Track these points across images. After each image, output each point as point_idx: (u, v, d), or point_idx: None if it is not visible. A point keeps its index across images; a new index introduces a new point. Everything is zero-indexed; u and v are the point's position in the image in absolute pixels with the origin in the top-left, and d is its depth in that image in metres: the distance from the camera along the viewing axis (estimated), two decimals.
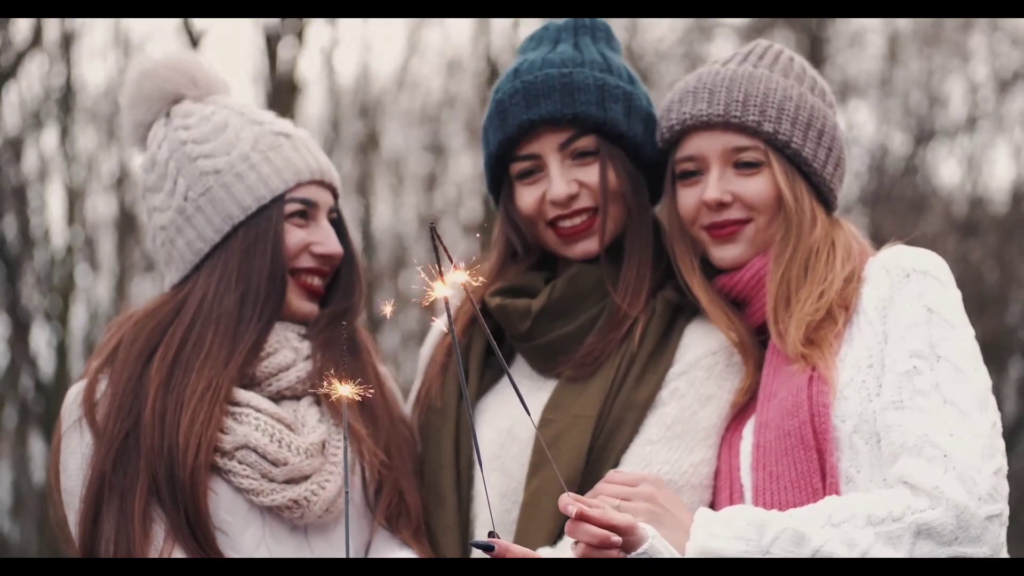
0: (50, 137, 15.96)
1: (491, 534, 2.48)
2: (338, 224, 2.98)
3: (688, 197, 2.93)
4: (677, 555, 2.57)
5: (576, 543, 2.52)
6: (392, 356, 16.98)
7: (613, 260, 2.93)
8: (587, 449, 2.78)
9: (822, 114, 2.94)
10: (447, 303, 2.26)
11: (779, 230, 2.89)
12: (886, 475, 2.67)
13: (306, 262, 2.89)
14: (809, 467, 2.70)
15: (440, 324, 3.03)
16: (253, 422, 2.76)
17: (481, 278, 2.34)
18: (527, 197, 2.93)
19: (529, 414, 2.33)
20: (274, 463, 2.75)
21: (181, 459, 2.69)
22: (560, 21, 3.05)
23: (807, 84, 2.96)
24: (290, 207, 2.88)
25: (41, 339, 15.67)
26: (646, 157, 2.95)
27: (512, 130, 2.90)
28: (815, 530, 2.57)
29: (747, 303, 2.93)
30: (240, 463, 2.74)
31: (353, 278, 2.96)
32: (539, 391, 2.89)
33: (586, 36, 3.00)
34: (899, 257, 2.82)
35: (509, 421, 2.87)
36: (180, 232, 2.89)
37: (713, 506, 2.84)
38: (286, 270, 2.85)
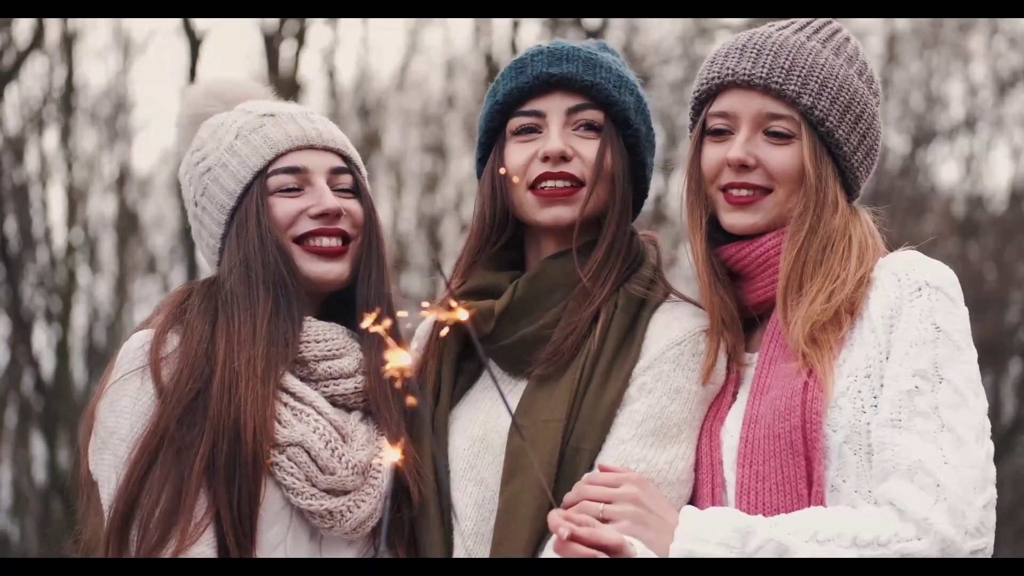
0: (51, 137, 15.99)
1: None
2: (354, 190, 2.99)
3: (714, 153, 2.87)
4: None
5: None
6: None
7: (584, 252, 2.91)
8: (558, 453, 2.76)
9: (863, 100, 2.88)
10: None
11: (797, 206, 2.83)
12: (873, 488, 2.66)
13: (307, 226, 2.89)
14: (796, 472, 2.68)
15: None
16: (313, 423, 2.79)
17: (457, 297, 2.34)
18: (518, 154, 2.91)
19: (514, 419, 2.34)
20: (322, 470, 2.77)
21: (244, 436, 2.73)
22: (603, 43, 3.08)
23: (856, 67, 2.90)
24: (274, 180, 2.90)
25: (42, 339, 15.69)
26: (639, 160, 2.95)
27: (527, 80, 2.91)
28: (799, 544, 2.57)
29: (750, 279, 2.87)
30: (289, 460, 2.76)
31: (372, 256, 2.95)
32: (511, 394, 2.87)
33: (605, 51, 3.01)
34: (912, 267, 2.76)
35: (482, 429, 2.87)
36: (200, 236, 2.98)
37: (693, 501, 2.82)
38: (276, 238, 2.87)
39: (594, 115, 2.90)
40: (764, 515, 2.66)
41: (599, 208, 2.91)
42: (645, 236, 3.01)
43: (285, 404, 2.80)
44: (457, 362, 2.95)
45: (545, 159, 2.88)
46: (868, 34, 16.14)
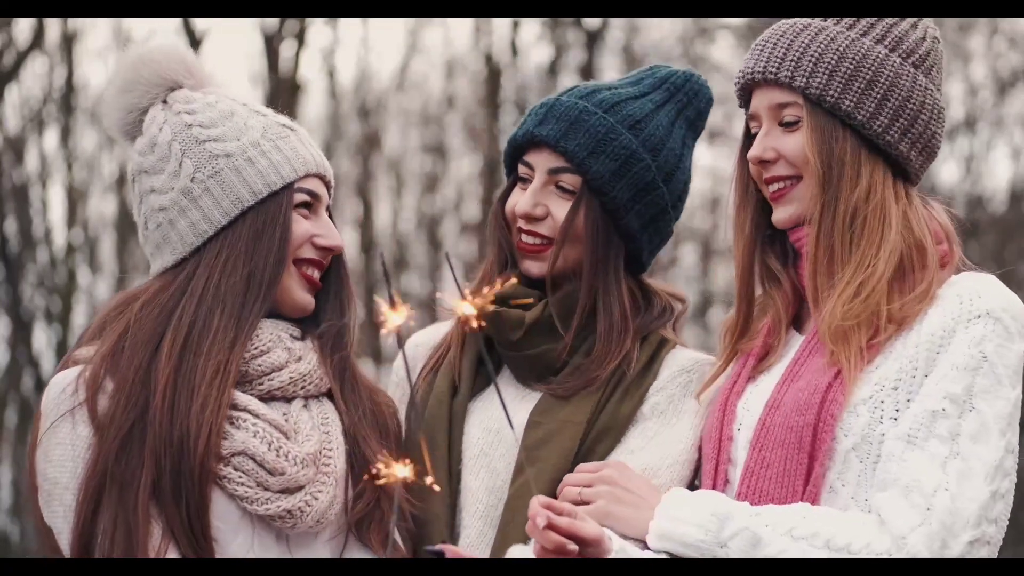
0: (51, 138, 16.00)
1: (443, 542, 2.58)
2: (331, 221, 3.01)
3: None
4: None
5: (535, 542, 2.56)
6: (393, 358, 16.96)
7: (566, 302, 2.99)
8: (575, 452, 2.87)
9: (877, 62, 2.78)
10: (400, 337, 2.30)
11: (810, 188, 2.77)
12: (869, 497, 2.64)
13: (308, 253, 2.89)
14: (797, 468, 2.67)
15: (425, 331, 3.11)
16: (251, 428, 2.76)
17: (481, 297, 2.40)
18: (513, 198, 3.04)
19: (510, 420, 2.40)
20: (271, 472, 2.74)
21: (192, 447, 2.69)
22: (676, 75, 3.07)
23: (874, 34, 2.80)
24: (298, 196, 2.88)
25: (42, 339, 15.70)
26: (623, 224, 2.98)
27: (519, 135, 3.02)
28: (774, 537, 2.58)
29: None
30: (236, 470, 2.73)
31: (343, 281, 2.97)
32: (523, 399, 2.97)
33: (669, 104, 3.05)
34: (979, 293, 2.67)
35: (497, 423, 2.96)
36: (183, 213, 2.88)
37: (696, 473, 2.87)
38: (287, 255, 2.86)
39: (571, 179, 2.97)
40: (759, 502, 2.68)
41: (572, 266, 2.99)
42: (671, 294, 3.08)
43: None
44: (476, 359, 3.03)
45: (518, 215, 3.00)
46: None
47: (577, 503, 2.70)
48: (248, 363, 2.81)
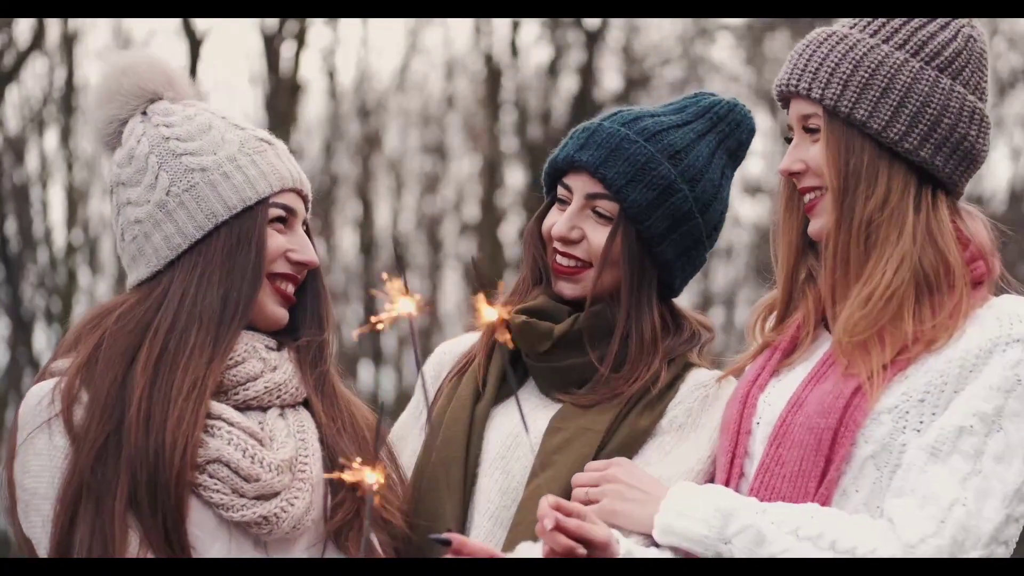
0: (51, 138, 16.02)
1: (448, 530, 2.60)
2: (307, 236, 3.00)
3: None
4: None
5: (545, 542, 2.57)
6: (393, 358, 17.00)
7: (601, 318, 3.02)
8: (592, 459, 2.90)
9: (894, 69, 2.72)
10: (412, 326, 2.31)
11: (828, 199, 2.73)
12: (882, 504, 2.62)
13: (282, 268, 2.89)
14: (812, 469, 2.66)
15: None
16: (226, 435, 2.75)
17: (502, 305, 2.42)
18: (550, 219, 3.08)
19: (525, 425, 2.41)
20: (246, 479, 2.74)
21: (168, 459, 2.68)
22: (720, 105, 3.06)
23: (896, 40, 2.74)
24: (273, 211, 2.88)
25: (42, 339, 15.70)
26: (658, 252, 3.01)
27: (560, 158, 3.06)
28: (778, 536, 2.57)
29: None
30: (211, 477, 2.73)
31: (320, 296, 2.97)
32: (544, 409, 3.01)
33: (711, 135, 3.06)
34: (1020, 317, 2.67)
35: (518, 428, 2.99)
36: (158, 226, 2.87)
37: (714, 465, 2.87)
38: (262, 270, 2.85)
39: (609, 206, 2.99)
40: (771, 500, 2.67)
41: (607, 290, 3.02)
42: (700, 322, 3.10)
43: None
44: (503, 368, 3.05)
45: (554, 236, 3.03)
46: None
47: (584, 503, 2.71)
48: (223, 374, 2.81)
